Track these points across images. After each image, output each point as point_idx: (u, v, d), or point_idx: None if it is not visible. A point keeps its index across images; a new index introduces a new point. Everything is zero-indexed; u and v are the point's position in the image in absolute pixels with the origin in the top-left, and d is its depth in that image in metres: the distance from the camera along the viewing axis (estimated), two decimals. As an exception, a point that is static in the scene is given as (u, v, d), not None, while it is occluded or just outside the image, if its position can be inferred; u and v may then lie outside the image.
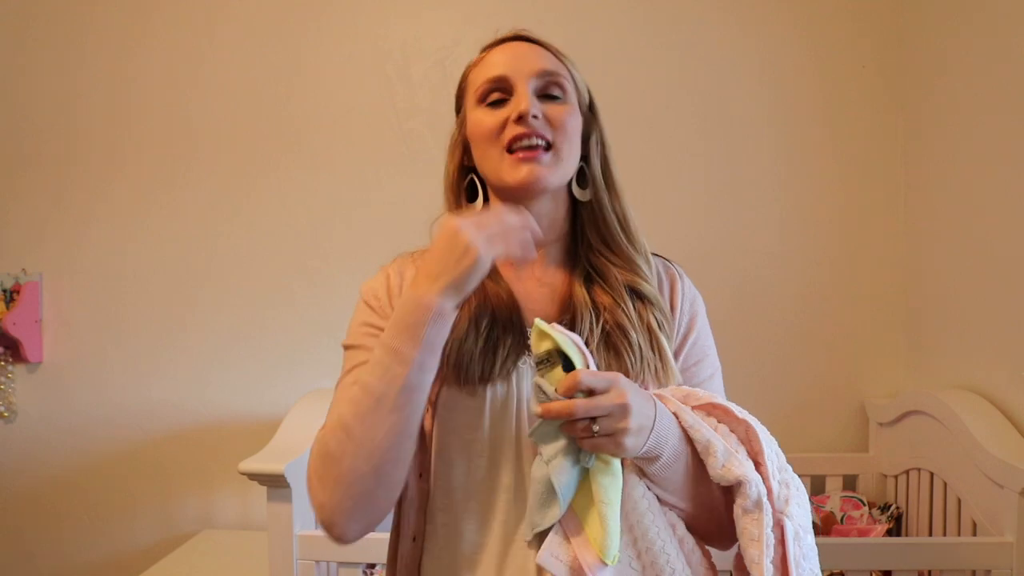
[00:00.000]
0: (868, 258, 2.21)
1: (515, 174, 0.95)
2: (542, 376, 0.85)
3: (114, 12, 2.31)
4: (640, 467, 0.89)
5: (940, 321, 2.03)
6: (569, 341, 0.85)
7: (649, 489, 0.90)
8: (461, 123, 1.05)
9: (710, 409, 0.94)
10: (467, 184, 1.06)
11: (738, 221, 2.24)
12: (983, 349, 1.84)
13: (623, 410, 0.81)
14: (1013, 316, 1.71)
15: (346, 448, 0.87)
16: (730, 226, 2.24)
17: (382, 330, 0.97)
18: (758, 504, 0.88)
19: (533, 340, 0.87)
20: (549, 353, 0.85)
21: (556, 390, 0.82)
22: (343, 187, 2.29)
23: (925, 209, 2.11)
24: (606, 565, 0.83)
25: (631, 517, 0.89)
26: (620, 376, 0.84)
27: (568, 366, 0.85)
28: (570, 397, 0.81)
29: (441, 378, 0.95)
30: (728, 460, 0.88)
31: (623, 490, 0.88)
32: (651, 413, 0.85)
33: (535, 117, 0.94)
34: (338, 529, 0.90)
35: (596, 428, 0.81)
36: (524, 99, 0.95)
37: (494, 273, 1.01)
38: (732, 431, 0.93)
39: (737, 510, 0.89)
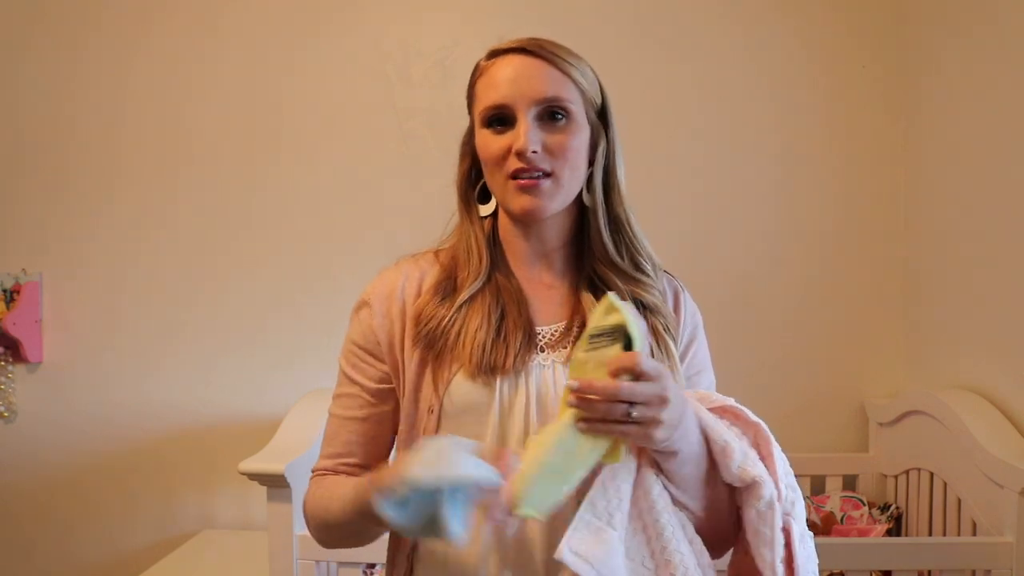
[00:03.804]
0: (868, 258, 2.21)
1: (517, 203, 0.97)
2: (595, 350, 0.85)
3: (115, 13, 2.31)
4: (658, 463, 0.90)
5: (940, 321, 2.03)
6: (636, 322, 0.85)
7: (665, 488, 0.92)
8: (471, 133, 1.05)
9: (722, 412, 0.97)
10: (479, 188, 1.06)
11: (738, 221, 2.24)
12: (983, 349, 1.84)
13: (662, 402, 0.83)
14: (1013, 316, 1.71)
15: (324, 530, 1.03)
16: (730, 226, 2.24)
17: (366, 351, 1.03)
18: (770, 505, 0.90)
19: (597, 313, 0.87)
20: (614, 329, 0.84)
21: (609, 365, 0.82)
22: (342, 187, 2.29)
23: (925, 209, 2.11)
24: (516, 516, 0.81)
25: (647, 516, 0.90)
26: (667, 371, 0.85)
27: (628, 348, 0.84)
28: (616, 377, 0.82)
29: (448, 378, 0.97)
30: (744, 461, 0.91)
31: (639, 490, 0.89)
32: (681, 411, 0.87)
33: (534, 152, 0.95)
34: (325, 547, 1.08)
35: (634, 414, 0.81)
36: (523, 135, 0.95)
37: (506, 270, 1.04)
38: (743, 434, 0.96)
39: (750, 511, 0.91)
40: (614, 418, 0.82)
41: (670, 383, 0.84)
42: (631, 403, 0.81)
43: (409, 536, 0.82)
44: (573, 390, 0.82)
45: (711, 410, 0.96)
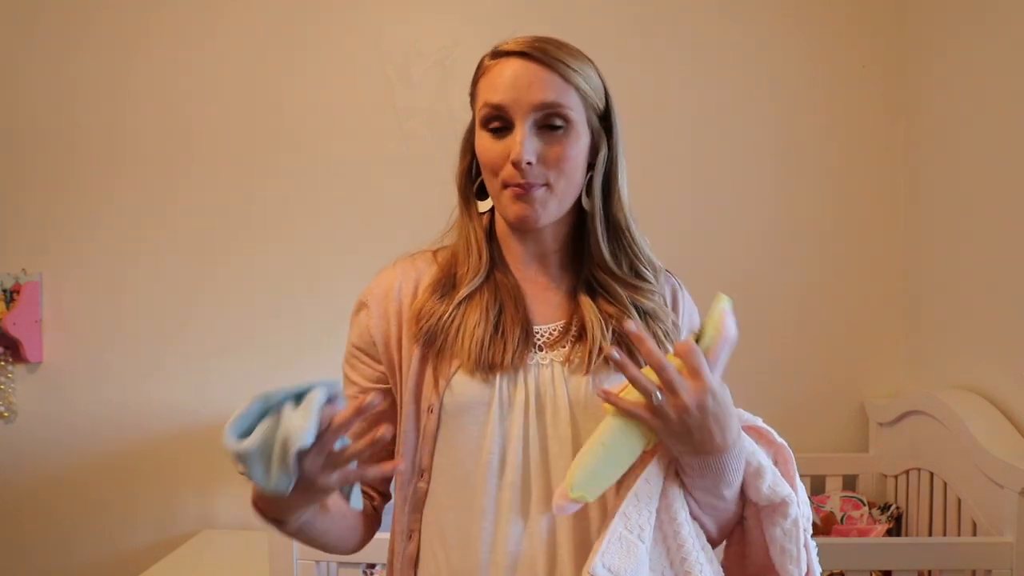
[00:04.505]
0: (868, 258, 2.21)
1: (511, 211, 0.97)
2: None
3: (115, 13, 2.31)
4: (681, 479, 0.92)
5: (940, 321, 2.03)
6: (716, 321, 0.90)
7: (686, 500, 0.93)
8: (471, 130, 1.04)
9: (747, 430, 0.98)
10: (477, 185, 1.06)
11: (738, 221, 2.24)
12: (983, 349, 1.84)
13: (682, 409, 0.84)
14: (1013, 316, 1.71)
15: None
16: (730, 226, 2.24)
17: (363, 352, 1.04)
18: (795, 523, 0.93)
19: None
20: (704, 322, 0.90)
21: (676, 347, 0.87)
22: (343, 187, 2.29)
23: (925, 209, 2.11)
24: (572, 500, 0.86)
25: (668, 527, 0.91)
26: (713, 389, 0.86)
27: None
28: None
29: (448, 375, 0.97)
30: (774, 482, 0.93)
31: (663, 501, 0.90)
32: (711, 448, 0.87)
33: (529, 163, 0.94)
34: None
35: (656, 400, 0.84)
36: (519, 144, 0.94)
37: (504, 268, 1.03)
38: (766, 453, 0.98)
39: (775, 529, 0.93)
40: (643, 392, 0.84)
41: (700, 398, 0.85)
42: (661, 388, 0.84)
43: (266, 487, 0.79)
44: (630, 332, 0.86)
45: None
